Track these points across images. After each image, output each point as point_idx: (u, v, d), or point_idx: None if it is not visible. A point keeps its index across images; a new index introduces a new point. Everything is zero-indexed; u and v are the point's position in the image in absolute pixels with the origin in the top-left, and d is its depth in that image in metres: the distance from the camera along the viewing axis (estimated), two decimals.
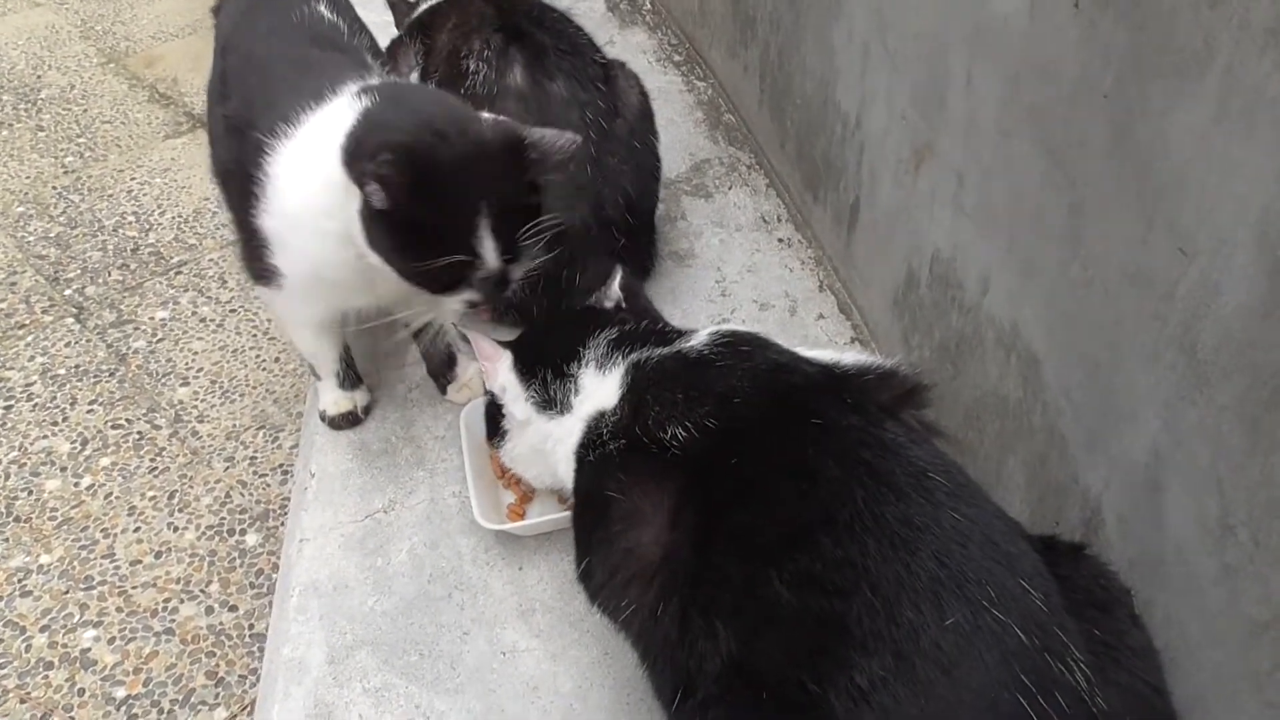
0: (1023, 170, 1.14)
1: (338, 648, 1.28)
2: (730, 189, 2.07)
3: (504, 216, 1.15)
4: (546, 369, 1.23)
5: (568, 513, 1.38)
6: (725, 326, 1.15)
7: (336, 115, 1.20)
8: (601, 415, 1.12)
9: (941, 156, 1.36)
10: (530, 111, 1.62)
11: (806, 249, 1.90)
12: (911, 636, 0.83)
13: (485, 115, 1.20)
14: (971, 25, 1.22)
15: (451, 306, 1.24)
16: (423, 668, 1.27)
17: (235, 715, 1.49)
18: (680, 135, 2.22)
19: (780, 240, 1.93)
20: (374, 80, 1.30)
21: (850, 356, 1.11)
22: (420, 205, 1.11)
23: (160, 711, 1.50)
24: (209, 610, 1.62)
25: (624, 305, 1.37)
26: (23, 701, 1.49)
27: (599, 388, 1.16)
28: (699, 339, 1.14)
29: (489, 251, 1.16)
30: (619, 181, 1.68)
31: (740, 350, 1.10)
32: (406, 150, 1.10)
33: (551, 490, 1.41)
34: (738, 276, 1.85)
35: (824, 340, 1.71)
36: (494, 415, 1.33)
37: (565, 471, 1.19)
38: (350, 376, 1.59)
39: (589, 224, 1.65)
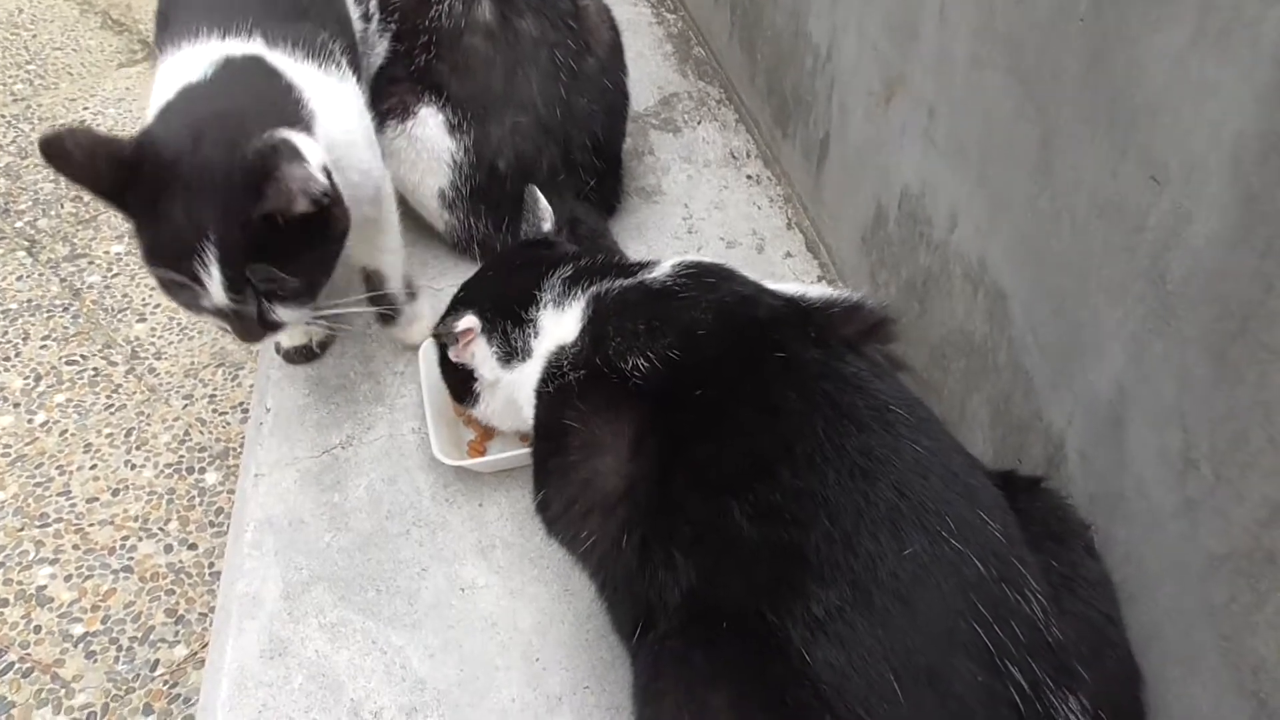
0: (994, 101, 1.11)
1: (293, 583, 1.26)
2: (699, 124, 2.03)
3: (232, 250, 1.04)
4: (505, 320, 1.20)
5: (528, 449, 1.37)
6: (689, 257, 1.13)
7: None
8: (561, 349, 1.10)
9: (913, 89, 1.33)
10: (498, 50, 1.57)
11: (775, 186, 1.87)
12: (869, 566, 0.83)
13: (280, 133, 1.06)
14: None
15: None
16: (380, 603, 1.25)
17: (195, 652, 1.48)
18: (649, 69, 2.17)
19: (749, 176, 1.90)
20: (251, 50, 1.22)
21: (816, 290, 1.10)
22: (134, 202, 1.06)
23: (119, 649, 1.48)
24: (168, 548, 1.60)
25: (563, 231, 1.34)
26: None
27: (558, 324, 1.13)
28: (662, 270, 1.11)
29: (212, 284, 1.06)
30: (589, 125, 1.64)
31: (704, 281, 1.08)
32: (142, 137, 1.06)
33: (519, 433, 1.39)
34: (705, 213, 1.82)
35: (791, 278, 1.69)
36: (462, 378, 1.27)
37: (529, 411, 1.17)
38: None
39: (556, 168, 1.61)
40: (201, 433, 1.78)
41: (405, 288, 1.53)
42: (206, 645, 1.45)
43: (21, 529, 1.62)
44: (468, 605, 1.26)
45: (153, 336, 1.95)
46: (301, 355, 1.55)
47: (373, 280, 1.50)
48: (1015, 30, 1.05)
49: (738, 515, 0.88)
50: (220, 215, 1.03)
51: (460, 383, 1.29)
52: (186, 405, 1.82)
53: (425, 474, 1.40)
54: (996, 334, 1.15)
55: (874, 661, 0.80)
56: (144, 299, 2.04)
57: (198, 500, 1.67)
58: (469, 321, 1.22)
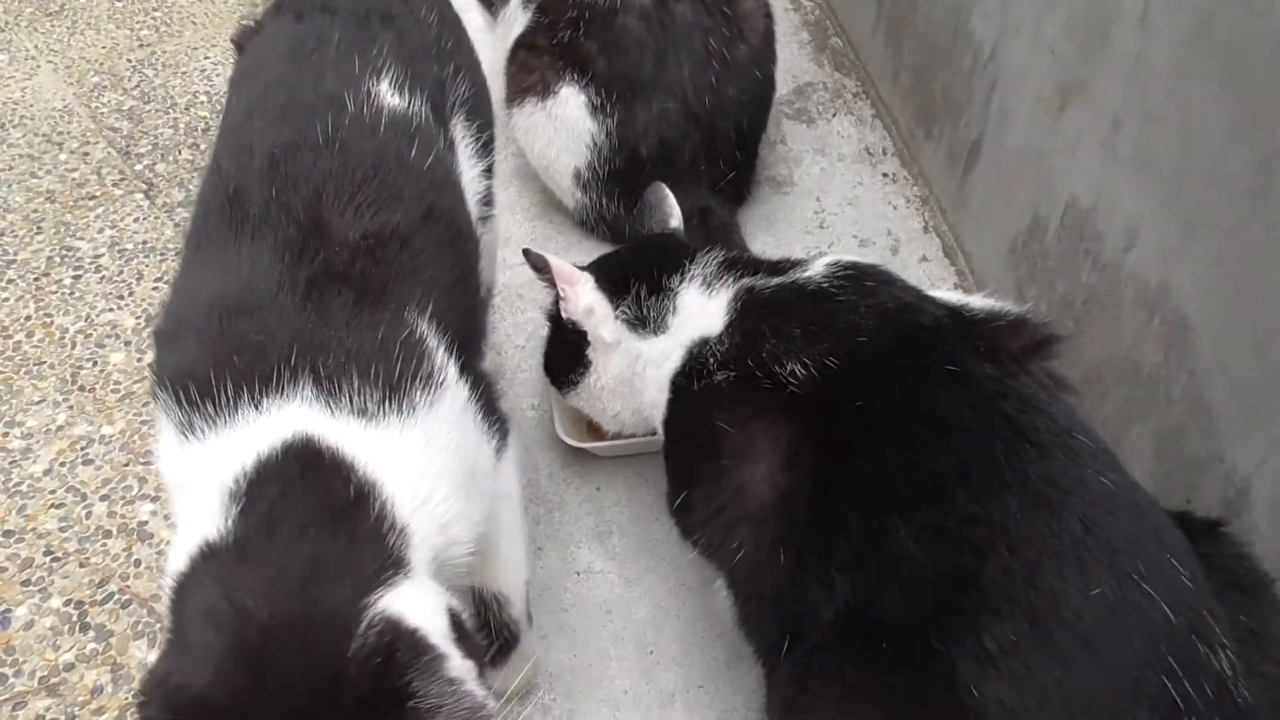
0: (1202, 117, 1.04)
1: None
2: (834, 116, 1.96)
3: None
4: (641, 284, 1.14)
5: (654, 437, 1.34)
6: (844, 257, 1.07)
7: None
8: (705, 342, 1.05)
9: (1095, 97, 1.25)
10: (652, 32, 1.53)
11: (912, 186, 1.81)
12: (1051, 603, 0.78)
13: (384, 608, 0.68)
14: None
15: None
16: None
17: None
18: (784, 56, 2.08)
19: (885, 175, 1.84)
20: None
21: (979, 300, 1.04)
22: None
23: None
24: None
25: (714, 239, 1.29)
26: (82, 565, 1.47)
27: (702, 310, 1.08)
28: (815, 269, 1.06)
29: None
30: (736, 115, 1.60)
31: (863, 285, 1.03)
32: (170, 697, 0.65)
33: (635, 431, 1.31)
34: (837, 209, 1.76)
35: (926, 284, 1.61)
36: (571, 347, 1.20)
37: (655, 399, 1.13)
38: None
39: (698, 157, 1.57)
40: None
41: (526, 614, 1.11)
42: None
43: (127, 464, 1.61)
44: (583, 590, 1.23)
45: None
46: None
47: (487, 605, 1.05)
48: (1241, 40, 0.98)
49: (904, 536, 0.83)
50: None
51: (564, 352, 1.21)
52: None
53: (544, 452, 1.38)
54: (1172, 365, 1.08)
55: (1049, 704, 0.75)
56: None
57: None
58: (583, 276, 1.17)
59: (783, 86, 2.02)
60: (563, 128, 1.57)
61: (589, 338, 1.19)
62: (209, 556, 0.71)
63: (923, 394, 0.91)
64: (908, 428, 0.89)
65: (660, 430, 1.14)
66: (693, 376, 1.04)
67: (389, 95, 0.98)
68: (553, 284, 1.18)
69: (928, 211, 1.75)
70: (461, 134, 1.12)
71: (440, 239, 0.93)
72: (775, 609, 0.93)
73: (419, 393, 0.81)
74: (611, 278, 1.18)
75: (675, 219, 1.27)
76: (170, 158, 2.24)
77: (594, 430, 1.39)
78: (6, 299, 1.90)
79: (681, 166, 1.55)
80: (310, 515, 0.71)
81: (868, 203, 1.78)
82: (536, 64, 1.59)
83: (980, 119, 1.56)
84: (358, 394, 0.78)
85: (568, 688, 1.14)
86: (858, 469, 0.89)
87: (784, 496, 0.92)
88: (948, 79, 1.67)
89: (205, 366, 0.78)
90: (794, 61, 2.10)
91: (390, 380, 0.80)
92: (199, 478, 0.76)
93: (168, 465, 0.81)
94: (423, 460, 0.79)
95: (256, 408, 0.76)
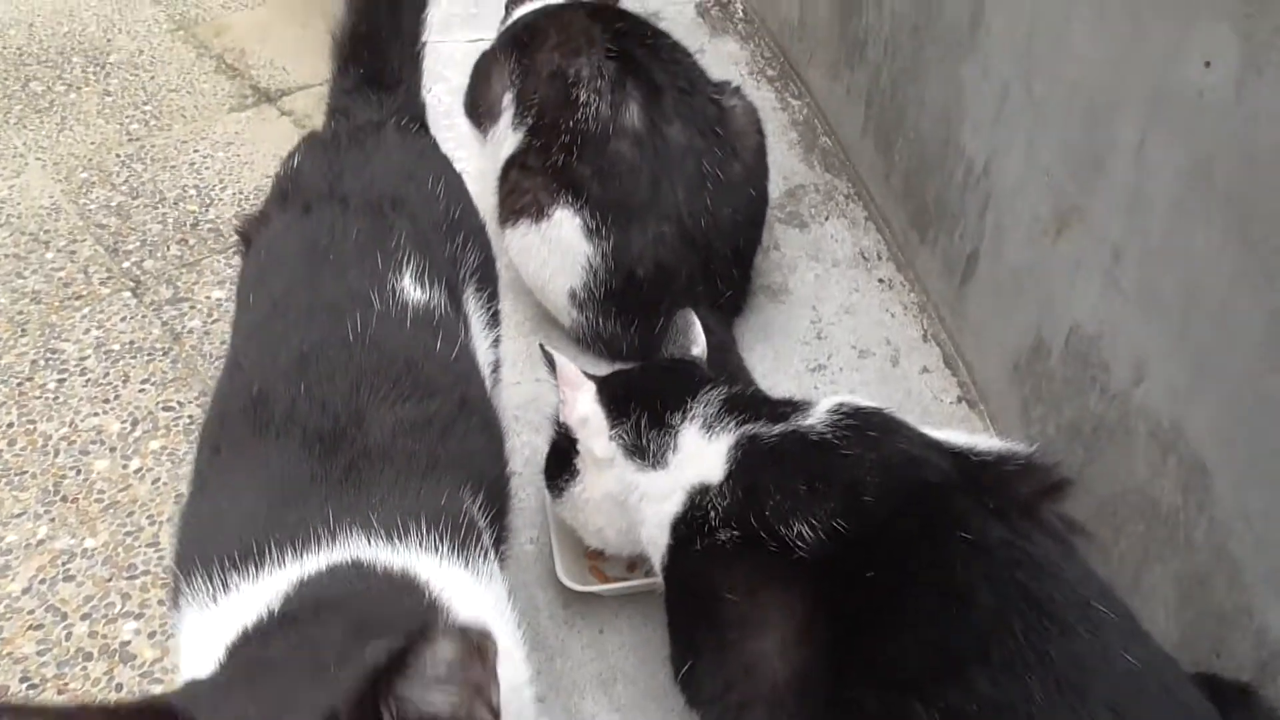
0: (1206, 259, 1.02)
1: None
2: (827, 219, 1.96)
3: None
4: (643, 413, 1.12)
5: (656, 579, 1.30)
6: (847, 401, 1.05)
7: None
8: (706, 491, 1.02)
9: (1092, 225, 1.24)
10: (645, 157, 1.54)
11: (909, 292, 1.80)
12: None
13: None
14: (1150, 88, 1.11)
15: None
16: None
17: None
18: (774, 158, 2.07)
19: (881, 280, 1.83)
20: None
21: (985, 441, 1.02)
22: None
23: None
24: None
25: (710, 359, 1.27)
26: (60, 693, 1.43)
27: (702, 453, 1.06)
28: (818, 415, 1.04)
29: None
30: (732, 234, 1.60)
31: (866, 435, 1.00)
32: None
33: (619, 553, 1.29)
34: (834, 318, 1.75)
35: (928, 397, 1.61)
36: (564, 451, 1.20)
37: (654, 537, 1.10)
38: None
39: (695, 278, 1.56)
40: None
41: None
42: None
43: (110, 579, 1.58)
44: None
45: None
46: None
47: None
48: (1242, 190, 0.97)
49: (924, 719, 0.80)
50: None
51: (559, 456, 1.21)
52: None
53: (543, 590, 1.34)
54: (1192, 509, 1.06)
55: None
56: None
57: None
58: (586, 383, 1.16)
59: (774, 189, 2.01)
60: (557, 249, 1.56)
61: (579, 447, 1.16)
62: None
63: (935, 564, 0.89)
64: (922, 601, 0.87)
65: (659, 573, 1.10)
66: (694, 529, 1.01)
67: (412, 290, 0.97)
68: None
69: (926, 319, 1.74)
70: (474, 307, 1.12)
71: (477, 427, 0.94)
72: None
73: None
74: (615, 395, 1.16)
75: (698, 348, 1.25)
76: (158, 254, 2.23)
77: (597, 570, 1.35)
78: None
79: (679, 287, 1.54)
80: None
81: (865, 310, 1.77)
82: (530, 185, 1.58)
83: (975, 233, 1.56)
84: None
85: None
86: (872, 645, 0.86)
87: (798, 675, 0.88)
88: (939, 188, 1.67)
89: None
90: (784, 162, 2.11)
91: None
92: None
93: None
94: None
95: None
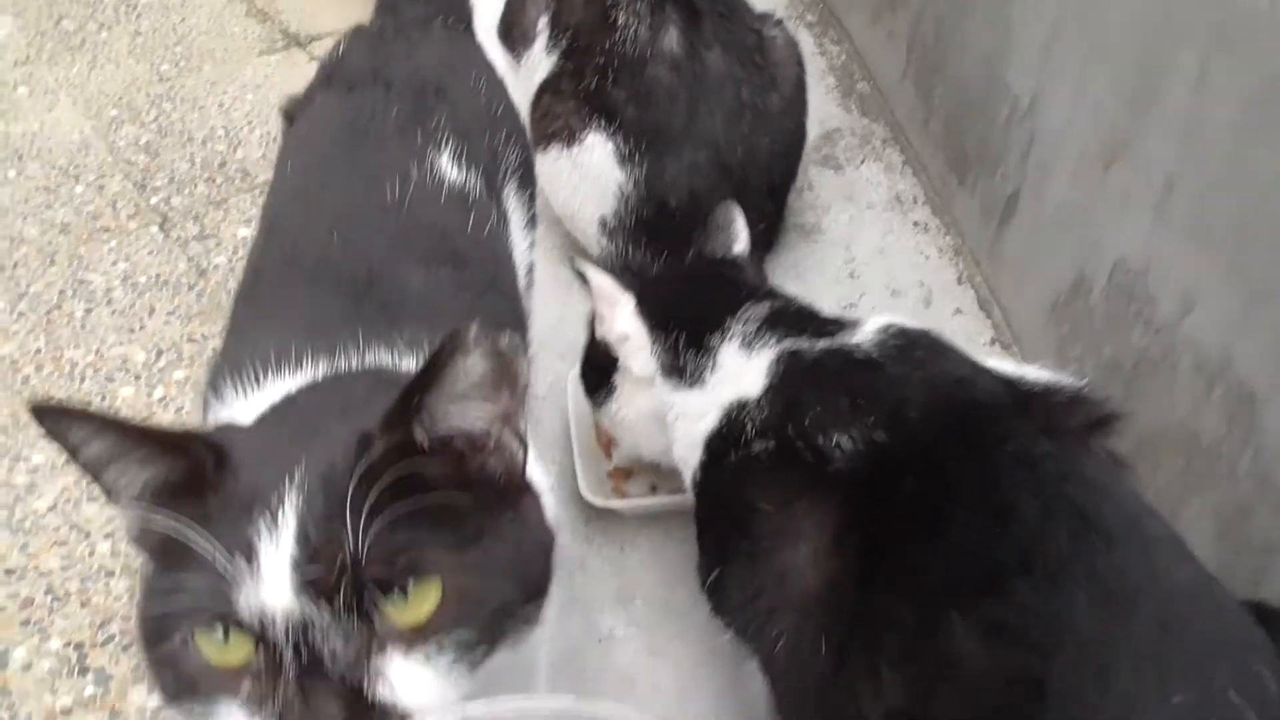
0: (1267, 185, 0.99)
1: None
2: (862, 163, 1.93)
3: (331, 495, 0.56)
4: (681, 332, 1.09)
5: (681, 497, 1.28)
6: (894, 321, 1.03)
7: None
8: (743, 406, 1.00)
9: (1144, 158, 1.21)
10: (683, 82, 1.50)
11: (945, 236, 1.76)
12: (1126, 710, 0.72)
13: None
14: (1214, 11, 1.07)
15: None
16: None
17: None
18: (810, 102, 2.06)
19: (916, 224, 1.79)
20: None
21: (1034, 372, 0.99)
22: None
23: None
24: None
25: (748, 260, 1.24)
26: (83, 605, 1.45)
27: (742, 371, 1.03)
28: (865, 334, 1.01)
29: (272, 554, 0.55)
30: (768, 166, 1.57)
31: (914, 355, 0.98)
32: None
33: (652, 466, 1.29)
34: (868, 258, 1.72)
35: (961, 339, 1.56)
36: (600, 367, 1.18)
37: (685, 454, 1.08)
38: None
39: None
40: None
41: None
42: None
43: None
44: (605, 658, 1.18)
45: None
46: None
47: None
48: None
49: (962, 632, 0.78)
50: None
51: (596, 371, 1.18)
52: None
53: (565, 509, 1.32)
54: (1236, 439, 1.03)
55: None
56: None
57: None
58: (625, 298, 1.12)
59: (810, 132, 1.98)
60: (589, 175, 1.54)
61: (619, 364, 1.14)
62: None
63: (980, 475, 0.86)
64: (964, 512, 0.84)
65: (690, 491, 1.09)
66: (729, 443, 0.99)
67: (449, 169, 0.97)
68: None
69: (961, 262, 1.71)
70: (514, 204, 1.11)
71: (506, 309, 0.94)
72: (816, 702, 0.87)
73: None
74: (654, 310, 1.13)
75: (741, 244, 1.22)
76: (186, 191, 2.23)
77: (619, 490, 1.34)
78: (17, 332, 1.89)
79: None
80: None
81: (899, 252, 1.74)
82: (562, 110, 1.55)
83: (1017, 173, 1.52)
84: None
85: None
86: (911, 556, 0.84)
87: (829, 585, 0.86)
88: (981, 130, 1.63)
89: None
90: (821, 107, 2.07)
91: None
92: None
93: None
94: None
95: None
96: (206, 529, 0.54)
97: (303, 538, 0.53)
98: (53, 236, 2.06)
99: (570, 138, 1.53)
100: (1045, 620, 0.76)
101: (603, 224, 1.56)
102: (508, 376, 0.60)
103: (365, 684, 0.52)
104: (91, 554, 1.52)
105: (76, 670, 1.37)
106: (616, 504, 1.29)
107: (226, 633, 0.53)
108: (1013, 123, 1.53)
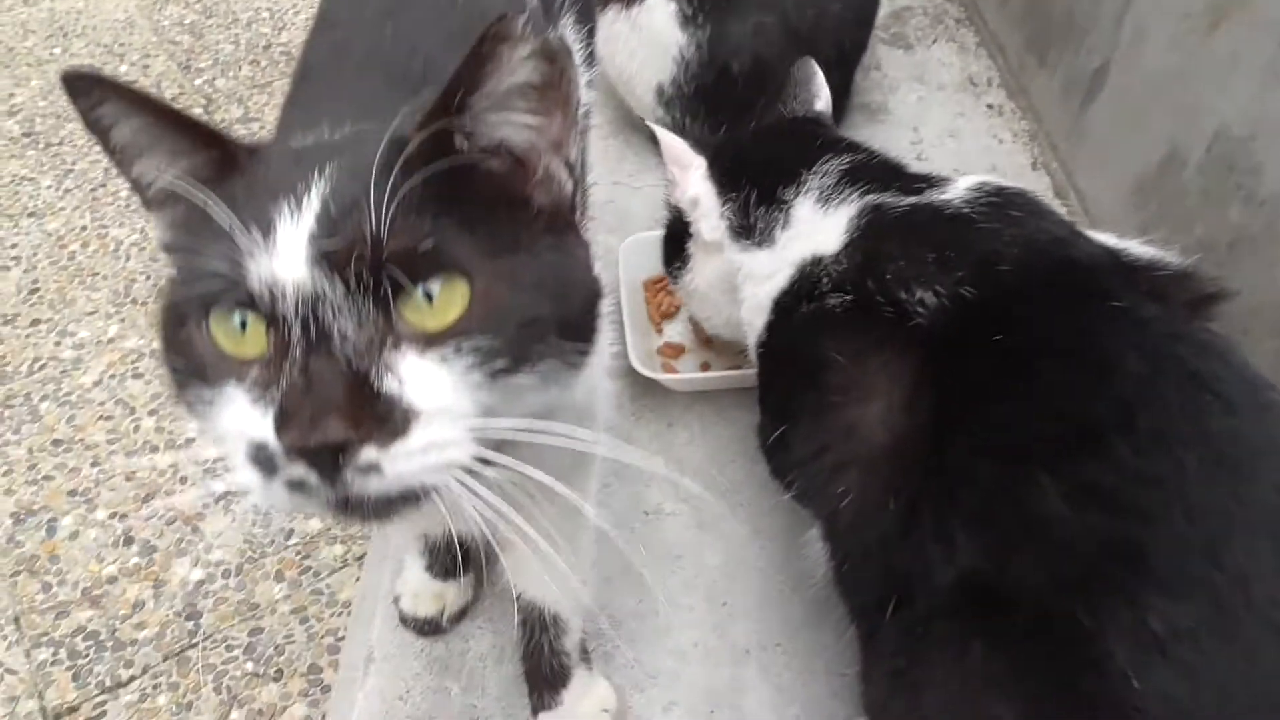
0: None
1: None
2: (934, 43, 1.81)
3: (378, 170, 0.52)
4: (752, 188, 1.01)
5: (737, 372, 1.23)
6: (990, 179, 0.94)
7: None
8: (818, 262, 0.93)
9: (1257, 13, 1.10)
10: None
11: (1020, 120, 1.65)
12: (1239, 584, 0.65)
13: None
14: None
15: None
16: None
17: (329, 529, 1.40)
18: None
19: (989, 106, 1.68)
20: None
21: (1138, 246, 0.89)
22: None
23: (257, 511, 1.45)
24: None
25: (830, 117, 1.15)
26: (128, 479, 1.46)
27: (818, 226, 0.95)
28: (955, 190, 0.93)
29: (290, 234, 0.51)
30: (837, 34, 1.46)
31: (1009, 213, 0.89)
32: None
33: (721, 342, 1.23)
34: (936, 140, 1.62)
35: None
36: (676, 235, 1.12)
37: (751, 317, 1.01)
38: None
39: None
40: None
41: (582, 649, 0.99)
42: (355, 539, 1.39)
43: None
44: (651, 531, 1.14)
45: None
46: (428, 627, 1.06)
47: (533, 630, 0.94)
48: None
49: (1051, 493, 0.70)
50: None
51: (672, 241, 1.13)
52: None
53: (613, 381, 1.26)
54: None
55: (1230, 703, 0.64)
56: None
57: None
58: (697, 161, 1.06)
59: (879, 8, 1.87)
60: (648, 38, 1.44)
61: (691, 230, 1.08)
62: None
63: (1077, 329, 0.78)
64: (1058, 367, 0.76)
65: (753, 355, 1.03)
66: (800, 298, 0.92)
67: None
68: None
69: (1036, 147, 1.60)
70: (572, 37, 1.03)
71: None
72: (881, 565, 0.81)
73: None
74: (726, 169, 1.05)
75: (822, 101, 1.13)
76: (230, 74, 2.20)
77: (669, 366, 1.29)
78: (64, 208, 1.89)
79: (775, 86, 1.42)
80: None
81: (970, 135, 1.64)
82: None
83: (1107, 42, 1.41)
84: None
85: (632, 634, 1.05)
86: (994, 413, 0.77)
87: (901, 440, 0.80)
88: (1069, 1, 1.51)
89: None
90: None
91: None
92: None
93: None
94: None
95: None
96: (230, 207, 0.51)
97: (324, 216, 0.50)
98: None
99: (590, 63, 1.45)
100: (1148, 483, 0.69)
101: (660, 91, 1.48)
102: (558, 91, 0.55)
103: (373, 374, 0.49)
104: (136, 429, 1.53)
105: (121, 541, 1.39)
106: (665, 378, 1.23)
107: (243, 325, 0.51)
108: None
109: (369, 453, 0.47)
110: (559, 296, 0.55)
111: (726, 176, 1.04)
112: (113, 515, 1.43)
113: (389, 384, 0.49)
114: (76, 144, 2.04)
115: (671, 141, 1.08)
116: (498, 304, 0.51)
